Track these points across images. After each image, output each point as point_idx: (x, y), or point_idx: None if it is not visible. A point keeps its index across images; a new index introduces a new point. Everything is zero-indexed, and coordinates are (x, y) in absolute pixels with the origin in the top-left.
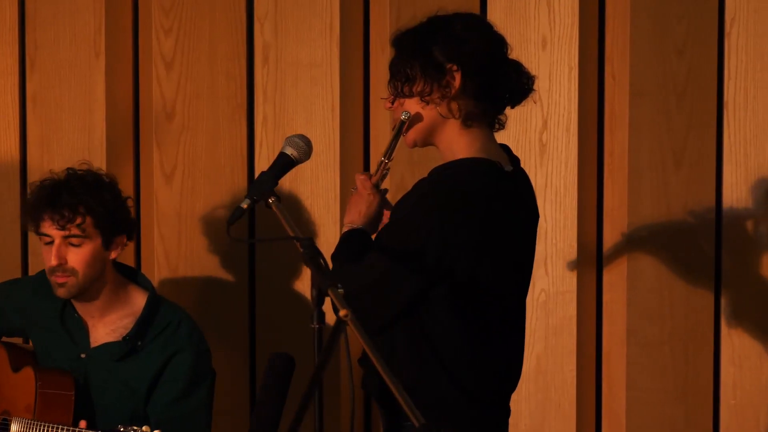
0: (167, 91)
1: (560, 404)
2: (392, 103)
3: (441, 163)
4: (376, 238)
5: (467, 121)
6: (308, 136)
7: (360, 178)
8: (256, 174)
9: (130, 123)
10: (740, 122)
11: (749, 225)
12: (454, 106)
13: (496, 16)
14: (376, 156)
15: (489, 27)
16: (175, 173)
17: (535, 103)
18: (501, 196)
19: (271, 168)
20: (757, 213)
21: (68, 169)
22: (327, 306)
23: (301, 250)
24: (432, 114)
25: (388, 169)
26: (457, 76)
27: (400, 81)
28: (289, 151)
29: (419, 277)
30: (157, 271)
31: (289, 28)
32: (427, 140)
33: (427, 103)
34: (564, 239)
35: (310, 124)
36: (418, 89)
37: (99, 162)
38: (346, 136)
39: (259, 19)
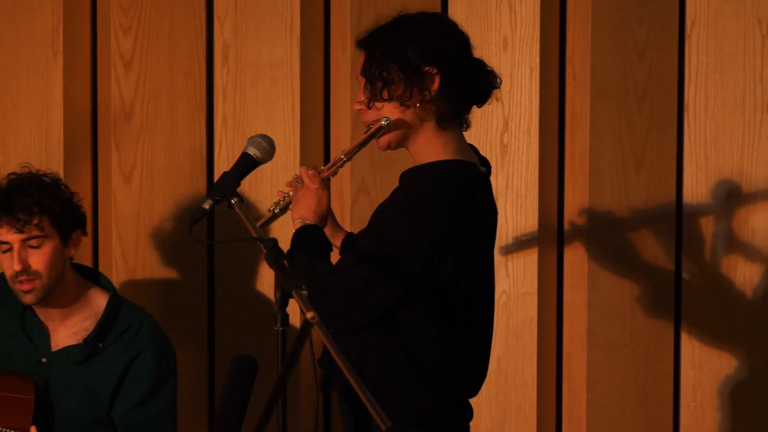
0: (126, 91)
1: (521, 406)
2: (368, 107)
3: (402, 163)
4: (353, 240)
5: (442, 123)
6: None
7: (309, 173)
8: (216, 174)
9: (88, 123)
10: (700, 124)
11: (709, 226)
12: (430, 108)
13: (457, 16)
14: (336, 156)
15: (455, 26)
16: (133, 174)
17: (497, 100)
18: (479, 198)
19: (233, 168)
20: (717, 214)
21: (9, 174)
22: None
23: (265, 251)
24: (411, 117)
25: (341, 167)
26: (437, 79)
27: (378, 85)
28: (252, 151)
29: (399, 284)
30: (115, 272)
31: (249, 28)
32: (401, 143)
33: (407, 107)
34: (525, 241)
35: (271, 124)
36: (398, 93)
37: (57, 162)
38: (306, 136)
39: (218, 18)
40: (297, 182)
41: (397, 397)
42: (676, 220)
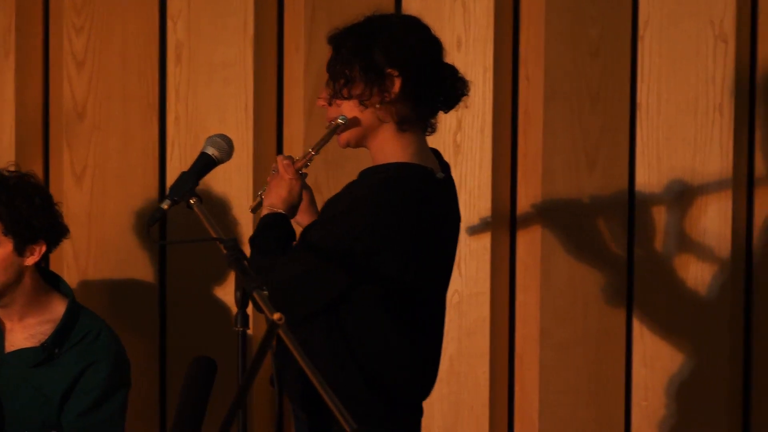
0: (78, 90)
1: (473, 406)
2: (329, 104)
3: (355, 162)
4: (303, 233)
5: (402, 125)
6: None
7: (283, 162)
8: (168, 174)
9: (40, 123)
10: (653, 124)
11: (661, 226)
12: (392, 110)
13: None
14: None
15: (427, 30)
16: (85, 174)
17: (466, 107)
18: (431, 204)
19: (191, 168)
20: (669, 214)
21: None
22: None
23: (225, 251)
24: (369, 117)
25: (311, 161)
26: (397, 82)
27: (340, 82)
28: (211, 151)
29: (344, 278)
30: (66, 272)
31: (202, 28)
32: (361, 142)
33: (366, 106)
34: (478, 240)
35: (224, 124)
36: (357, 92)
37: (8, 162)
38: (259, 136)
39: (171, 17)
40: (273, 170)
41: (344, 397)
42: (629, 219)
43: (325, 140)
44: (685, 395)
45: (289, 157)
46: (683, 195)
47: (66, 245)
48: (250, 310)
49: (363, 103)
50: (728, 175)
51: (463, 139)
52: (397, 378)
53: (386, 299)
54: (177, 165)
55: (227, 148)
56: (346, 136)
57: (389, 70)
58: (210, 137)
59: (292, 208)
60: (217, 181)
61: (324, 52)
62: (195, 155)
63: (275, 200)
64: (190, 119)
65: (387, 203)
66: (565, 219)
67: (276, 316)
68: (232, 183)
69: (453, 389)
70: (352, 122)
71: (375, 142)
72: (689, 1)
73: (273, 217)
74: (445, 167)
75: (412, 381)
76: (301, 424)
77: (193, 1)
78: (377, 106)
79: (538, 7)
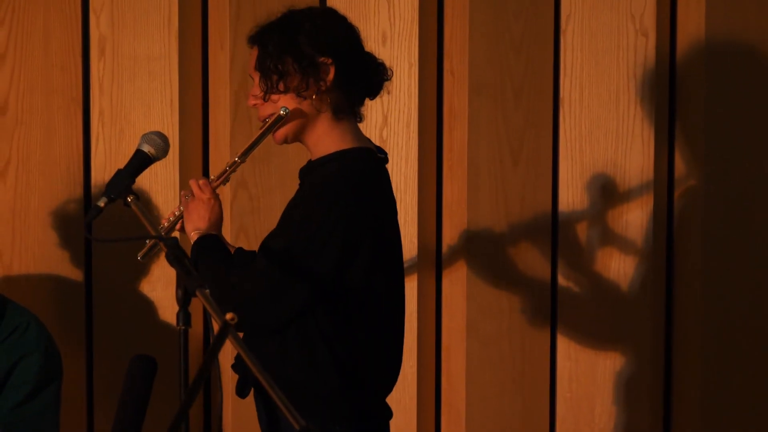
0: (0, 84)
1: (400, 400)
2: (265, 100)
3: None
4: (264, 242)
5: (338, 114)
6: (147, 131)
7: (200, 182)
8: (93, 169)
9: None
10: (575, 118)
11: (585, 220)
12: (326, 99)
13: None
14: (215, 151)
15: (345, 19)
16: (8, 169)
17: (388, 93)
18: (383, 185)
19: (127, 166)
20: (592, 209)
21: None
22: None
23: (165, 250)
24: (306, 109)
25: (233, 173)
26: (332, 69)
27: (273, 78)
28: (146, 148)
29: (316, 282)
30: None
31: (126, 21)
32: (298, 136)
33: (304, 98)
34: (404, 235)
35: (148, 118)
36: (294, 84)
37: None
38: (185, 131)
39: (94, 11)
40: (186, 196)
41: (317, 394)
42: (552, 213)
43: (260, 140)
44: (608, 387)
45: (204, 178)
46: (605, 188)
47: None
48: (191, 308)
49: (300, 94)
50: (650, 168)
51: (389, 134)
52: (369, 372)
53: (357, 294)
54: (102, 160)
55: (163, 145)
56: (283, 131)
57: (322, 59)
58: (145, 134)
59: (218, 227)
60: (143, 176)
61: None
62: (120, 150)
63: (200, 222)
64: (114, 113)
65: (347, 193)
66: (491, 213)
67: (228, 316)
68: (158, 178)
69: None
70: (294, 113)
71: (313, 134)
72: None
73: (206, 239)
74: (380, 149)
75: (382, 374)
76: (261, 414)
77: None
78: (314, 96)
79: (461, 2)
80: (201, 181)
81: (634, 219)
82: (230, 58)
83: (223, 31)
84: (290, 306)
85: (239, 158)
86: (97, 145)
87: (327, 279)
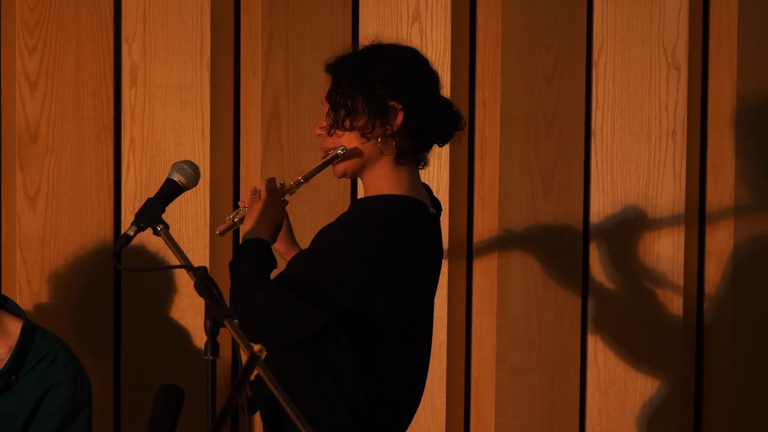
0: (31, 111)
1: (429, 430)
2: (329, 133)
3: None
4: (291, 262)
5: (399, 159)
6: (178, 159)
7: (269, 187)
8: (123, 197)
9: None
10: (607, 150)
11: (615, 251)
12: (391, 142)
13: (366, 40)
14: (246, 180)
15: (426, 62)
16: (39, 196)
17: (459, 141)
18: (423, 237)
19: (157, 194)
20: (623, 239)
21: None
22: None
23: (194, 279)
24: (369, 149)
25: (297, 188)
26: (401, 115)
27: (341, 113)
28: (177, 177)
29: (324, 314)
30: (19, 296)
31: (158, 49)
32: (357, 173)
33: (368, 139)
34: None
35: (180, 147)
36: (360, 124)
37: None
38: (216, 159)
39: (126, 39)
40: (254, 194)
41: (325, 426)
42: (583, 244)
43: (320, 169)
44: (638, 421)
45: (273, 180)
46: (636, 220)
47: (19, 269)
48: (220, 338)
49: (365, 135)
50: (681, 201)
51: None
52: (382, 411)
53: (370, 333)
54: (132, 187)
55: (193, 174)
56: (343, 166)
57: (392, 103)
58: (176, 163)
59: (273, 234)
60: (173, 204)
61: (281, 76)
62: (150, 178)
63: (257, 225)
64: (145, 141)
65: (376, 238)
66: (521, 244)
67: (257, 347)
68: (189, 206)
69: None
70: (352, 153)
71: (371, 174)
72: (642, 28)
73: (254, 242)
74: (436, 203)
75: (391, 414)
76: None
77: (148, 23)
78: (378, 139)
79: (494, 33)
80: (271, 185)
81: (665, 251)
82: (262, 85)
83: (255, 58)
84: (291, 330)
85: (303, 178)
86: (127, 173)
87: (335, 314)
